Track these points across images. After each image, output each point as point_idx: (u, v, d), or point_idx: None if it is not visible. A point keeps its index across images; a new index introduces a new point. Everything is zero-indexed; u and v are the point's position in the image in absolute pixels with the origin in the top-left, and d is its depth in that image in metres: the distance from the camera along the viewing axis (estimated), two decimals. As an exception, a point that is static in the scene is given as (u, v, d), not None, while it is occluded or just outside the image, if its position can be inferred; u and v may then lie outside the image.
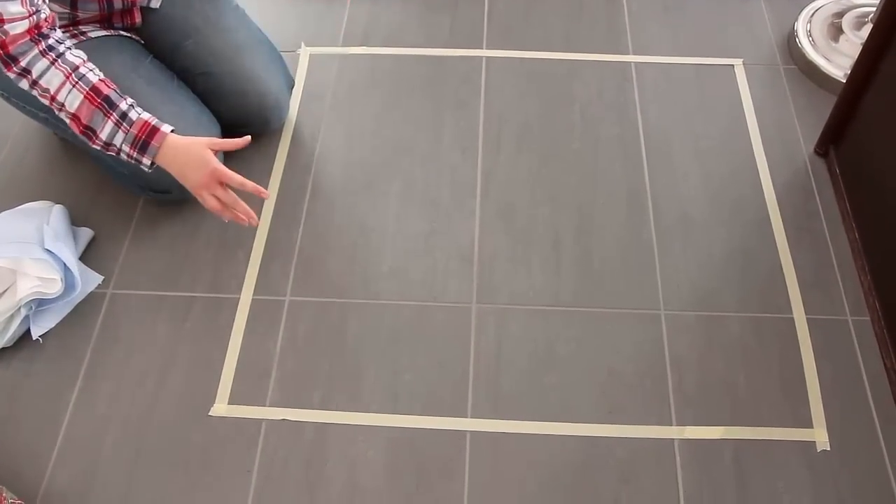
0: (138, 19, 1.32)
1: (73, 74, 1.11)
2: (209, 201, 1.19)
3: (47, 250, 1.22)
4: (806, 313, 1.26)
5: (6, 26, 1.04)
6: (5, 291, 1.20)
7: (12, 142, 1.51)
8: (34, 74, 1.09)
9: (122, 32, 1.31)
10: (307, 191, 1.43)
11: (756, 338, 1.23)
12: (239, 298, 1.28)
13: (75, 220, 1.36)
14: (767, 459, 1.12)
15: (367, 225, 1.38)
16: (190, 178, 1.19)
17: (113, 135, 1.14)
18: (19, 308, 1.21)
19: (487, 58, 1.64)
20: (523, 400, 1.18)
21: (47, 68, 1.09)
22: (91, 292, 1.29)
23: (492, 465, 1.12)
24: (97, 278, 1.30)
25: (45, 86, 1.10)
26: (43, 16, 1.08)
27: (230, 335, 1.25)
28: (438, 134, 1.51)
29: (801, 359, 1.21)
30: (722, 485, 1.10)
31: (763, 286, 1.29)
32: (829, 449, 1.12)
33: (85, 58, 1.14)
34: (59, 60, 1.10)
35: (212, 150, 1.19)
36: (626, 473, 1.11)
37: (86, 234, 1.35)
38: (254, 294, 1.29)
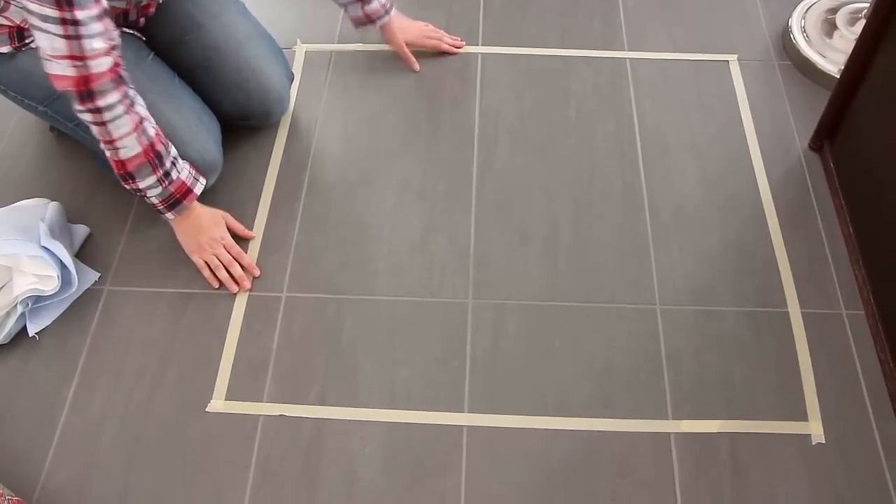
0: (142, 20, 1.32)
1: (140, 126, 1.13)
2: (211, 261, 1.29)
3: (44, 247, 1.22)
4: (801, 307, 1.26)
5: (90, 62, 1.03)
6: (1, 289, 1.20)
7: (8, 138, 1.51)
8: (106, 116, 1.08)
9: (124, 29, 1.31)
10: (303, 187, 1.43)
11: (751, 332, 1.24)
12: (235, 294, 1.29)
13: (71, 217, 1.36)
14: (763, 452, 1.12)
15: (363, 221, 1.38)
16: (197, 239, 1.29)
17: (151, 187, 1.19)
18: (15, 305, 1.20)
19: (483, 54, 1.64)
20: (520, 394, 1.18)
21: (121, 115, 1.09)
22: (87, 289, 1.29)
23: (489, 460, 1.12)
24: (94, 275, 1.30)
25: (111, 129, 1.10)
26: (119, 51, 1.08)
27: (227, 331, 1.25)
28: (434, 130, 1.51)
29: (796, 352, 1.22)
30: (718, 478, 1.10)
31: (758, 280, 1.30)
32: (824, 442, 1.13)
33: (146, 107, 1.15)
34: (133, 109, 1.11)
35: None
36: (622, 467, 1.11)
37: (82, 231, 1.35)
38: (250, 290, 1.29)
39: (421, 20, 1.68)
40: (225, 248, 1.30)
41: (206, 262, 1.29)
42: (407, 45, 1.58)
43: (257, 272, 1.30)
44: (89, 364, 1.22)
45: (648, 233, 1.36)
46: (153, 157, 1.16)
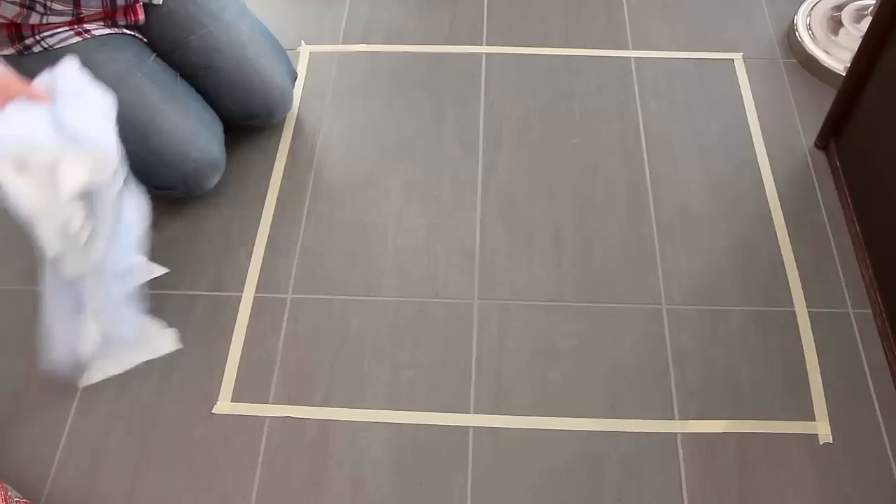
0: (142, 17, 1.32)
1: None
2: None
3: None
4: (807, 306, 1.26)
5: None
6: (43, 184, 0.86)
7: (13, 142, 1.52)
8: None
9: (125, 31, 1.32)
10: (308, 188, 1.43)
11: (758, 331, 1.24)
12: (241, 296, 1.29)
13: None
14: (770, 452, 1.12)
15: (368, 221, 1.38)
16: None
17: None
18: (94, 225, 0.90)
19: (487, 54, 1.64)
20: (525, 395, 1.18)
21: None
22: (93, 291, 1.29)
23: (494, 461, 1.12)
24: (160, 269, 1.18)
25: None
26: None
27: (233, 333, 1.25)
28: (439, 130, 1.51)
29: (802, 352, 1.21)
30: (725, 478, 1.10)
31: (764, 280, 1.29)
32: (831, 442, 1.12)
33: None
34: None
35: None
36: (629, 468, 1.11)
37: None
38: (256, 292, 1.29)
39: (425, 21, 1.68)
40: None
41: None
42: None
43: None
44: (96, 366, 1.22)
45: (654, 232, 1.35)
46: None
